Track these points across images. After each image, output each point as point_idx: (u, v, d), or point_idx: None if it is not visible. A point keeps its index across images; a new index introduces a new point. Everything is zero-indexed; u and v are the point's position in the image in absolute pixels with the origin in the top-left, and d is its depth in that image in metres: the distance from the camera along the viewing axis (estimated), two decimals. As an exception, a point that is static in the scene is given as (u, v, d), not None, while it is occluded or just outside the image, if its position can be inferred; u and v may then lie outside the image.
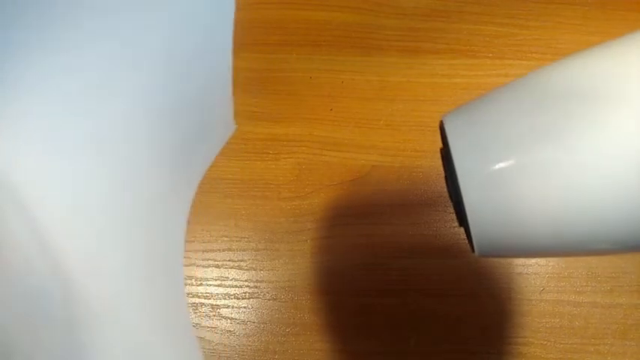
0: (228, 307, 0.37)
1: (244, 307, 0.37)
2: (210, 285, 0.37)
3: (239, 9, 0.43)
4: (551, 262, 0.37)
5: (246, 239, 0.38)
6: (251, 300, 0.37)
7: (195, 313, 0.36)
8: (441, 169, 0.20)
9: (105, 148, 0.14)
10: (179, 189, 0.16)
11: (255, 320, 0.36)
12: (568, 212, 0.17)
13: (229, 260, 0.37)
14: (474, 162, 0.17)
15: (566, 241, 0.18)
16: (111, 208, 0.13)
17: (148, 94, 0.14)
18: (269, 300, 0.37)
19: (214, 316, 0.36)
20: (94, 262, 0.13)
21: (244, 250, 0.38)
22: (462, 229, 0.19)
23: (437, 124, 0.20)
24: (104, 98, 0.14)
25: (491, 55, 0.43)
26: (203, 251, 0.37)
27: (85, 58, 0.13)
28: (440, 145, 0.20)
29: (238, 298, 0.37)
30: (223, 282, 0.37)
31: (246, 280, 0.37)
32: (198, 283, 0.37)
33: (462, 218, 0.18)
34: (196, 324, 0.36)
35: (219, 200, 0.39)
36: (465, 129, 0.18)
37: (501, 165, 0.17)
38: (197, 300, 0.36)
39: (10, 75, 0.12)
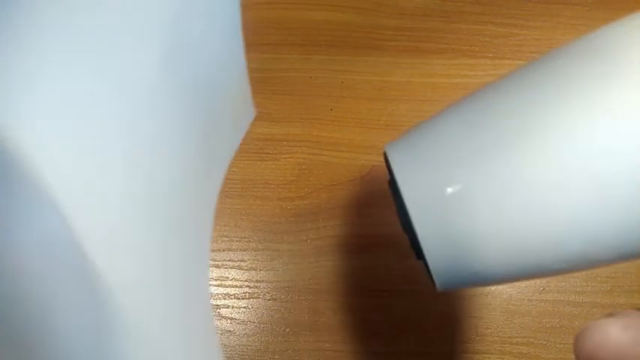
0: (228, 307, 0.37)
1: (244, 307, 0.37)
2: (211, 285, 0.37)
3: (241, 9, 0.43)
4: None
5: (246, 239, 0.38)
6: (251, 300, 0.37)
7: (195, 313, 0.36)
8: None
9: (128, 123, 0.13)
10: (203, 179, 0.15)
11: (255, 320, 0.36)
12: (521, 231, 0.16)
13: (229, 260, 0.37)
14: (421, 192, 0.16)
15: (524, 263, 0.17)
16: (133, 193, 0.13)
17: (162, 70, 0.14)
18: (269, 300, 0.37)
19: (214, 316, 0.36)
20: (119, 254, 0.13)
21: (244, 250, 0.38)
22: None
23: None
24: (126, 67, 0.13)
25: (491, 55, 0.43)
26: (203, 251, 0.37)
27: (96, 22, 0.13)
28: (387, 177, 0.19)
29: (238, 298, 0.37)
30: (223, 282, 0.37)
31: (246, 280, 0.37)
32: (198, 283, 0.37)
33: (419, 252, 0.17)
34: (196, 324, 0.36)
35: (220, 200, 0.38)
36: (408, 155, 0.17)
37: (451, 188, 0.16)
38: (197, 300, 0.36)
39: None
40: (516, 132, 0.16)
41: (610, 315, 0.15)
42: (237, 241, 0.38)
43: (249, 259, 0.37)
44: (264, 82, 0.41)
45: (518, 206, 0.15)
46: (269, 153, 0.40)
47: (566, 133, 0.15)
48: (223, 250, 0.38)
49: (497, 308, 0.37)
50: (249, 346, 0.36)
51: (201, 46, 0.16)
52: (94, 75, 0.13)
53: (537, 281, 0.37)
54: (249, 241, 0.38)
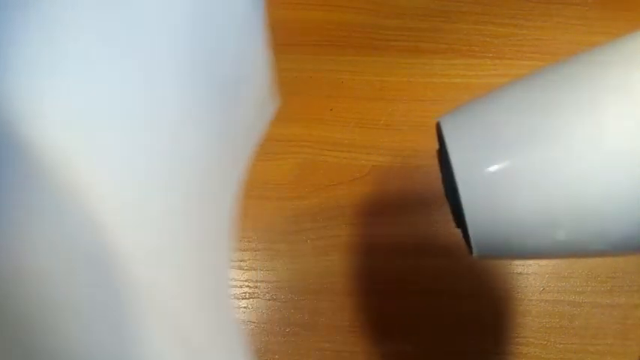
0: (228, 307, 0.37)
1: (244, 307, 0.37)
2: (210, 285, 0.37)
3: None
4: (551, 262, 0.37)
5: (246, 239, 0.38)
6: (251, 300, 0.37)
7: (195, 313, 0.36)
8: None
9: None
10: (226, 165, 0.15)
11: (255, 320, 0.36)
12: (565, 212, 0.17)
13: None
14: (471, 163, 0.18)
15: (563, 242, 0.18)
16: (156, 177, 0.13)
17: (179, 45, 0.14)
18: (269, 300, 0.37)
19: (214, 316, 0.36)
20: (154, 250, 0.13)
21: (244, 250, 0.38)
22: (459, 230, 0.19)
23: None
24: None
25: (491, 55, 0.43)
26: (203, 251, 0.37)
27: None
28: (437, 146, 0.20)
29: (238, 298, 0.37)
30: (223, 282, 0.37)
31: (246, 280, 0.37)
32: (198, 283, 0.37)
33: (460, 219, 0.18)
34: (196, 324, 0.36)
35: (219, 200, 0.39)
36: (461, 130, 0.18)
37: (499, 166, 0.17)
38: (197, 300, 0.36)
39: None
40: (554, 126, 0.17)
41: None
42: (237, 241, 0.38)
43: (249, 259, 0.37)
44: (264, 82, 0.41)
45: (555, 188, 0.17)
46: (269, 153, 0.40)
47: (592, 132, 0.17)
48: (223, 250, 0.38)
49: (496, 308, 0.37)
50: (249, 346, 0.36)
51: (223, 41, 0.16)
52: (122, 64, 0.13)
53: (537, 281, 0.37)
54: (249, 241, 0.38)
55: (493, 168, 0.17)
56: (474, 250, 0.18)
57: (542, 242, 0.18)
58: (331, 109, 0.41)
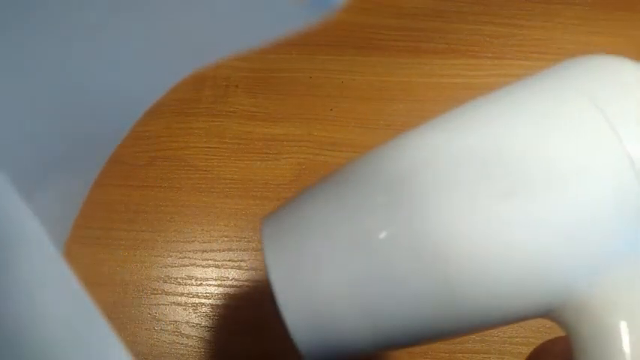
0: (228, 307, 0.37)
1: (244, 307, 0.37)
2: (211, 285, 0.37)
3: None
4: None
5: (246, 239, 0.38)
6: (251, 300, 0.37)
7: (196, 313, 0.36)
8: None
9: None
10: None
11: (256, 320, 0.36)
12: (378, 312, 0.17)
13: (229, 260, 0.37)
14: (285, 278, 0.18)
15: (385, 340, 0.18)
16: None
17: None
18: (269, 300, 0.37)
19: (215, 316, 0.36)
20: None
21: (244, 250, 0.38)
22: None
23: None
24: None
25: (491, 55, 0.43)
26: (203, 251, 0.37)
27: None
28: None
29: (238, 299, 0.37)
30: (223, 282, 0.37)
31: (246, 280, 0.37)
32: (198, 283, 0.37)
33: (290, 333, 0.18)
34: (196, 324, 0.36)
35: (219, 200, 0.39)
36: (277, 242, 0.19)
37: (309, 279, 0.17)
38: (197, 300, 0.36)
39: None
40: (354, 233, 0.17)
41: None
42: (237, 241, 0.38)
43: (249, 259, 0.37)
44: (264, 82, 0.41)
45: (369, 296, 0.17)
46: (269, 153, 0.40)
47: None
48: (223, 250, 0.38)
49: (497, 308, 0.37)
50: (249, 346, 0.36)
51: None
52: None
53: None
54: (249, 241, 0.38)
55: (304, 278, 0.17)
56: (304, 354, 0.18)
57: (369, 343, 0.18)
58: (331, 109, 0.41)
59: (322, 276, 0.17)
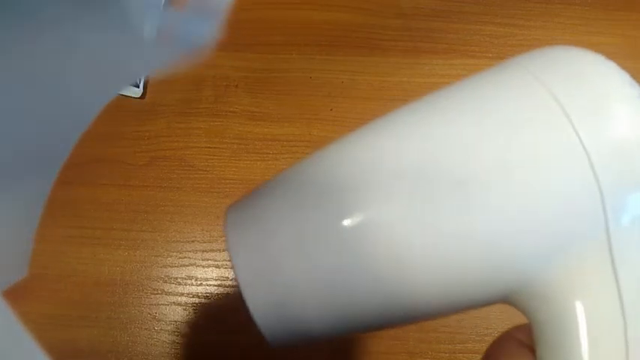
0: (228, 307, 0.37)
1: (245, 307, 0.37)
2: (211, 285, 0.37)
3: (241, 9, 0.44)
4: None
5: (246, 239, 0.38)
6: (251, 300, 0.37)
7: (195, 313, 0.36)
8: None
9: None
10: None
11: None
12: (330, 296, 0.18)
13: (229, 260, 0.37)
14: (250, 259, 0.19)
15: (343, 326, 0.18)
16: None
17: None
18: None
19: (214, 316, 0.36)
20: None
21: (244, 250, 0.38)
22: None
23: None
24: None
25: (491, 55, 0.43)
26: (203, 251, 0.37)
27: None
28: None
29: (238, 299, 0.37)
30: (223, 282, 0.37)
31: (246, 280, 0.37)
32: (198, 283, 0.37)
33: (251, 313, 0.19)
34: (196, 324, 0.36)
35: (219, 200, 0.39)
36: (244, 229, 0.19)
37: (268, 269, 0.18)
38: (197, 300, 0.36)
39: None
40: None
41: None
42: (237, 241, 0.38)
43: (249, 259, 0.37)
44: (264, 82, 0.41)
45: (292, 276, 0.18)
46: (269, 153, 0.40)
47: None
48: (223, 250, 0.38)
49: (497, 309, 0.37)
50: (250, 346, 0.36)
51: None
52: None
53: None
54: (249, 241, 0.38)
55: (262, 263, 0.18)
56: (268, 339, 0.19)
57: (321, 325, 0.18)
58: (331, 109, 0.41)
59: (279, 267, 0.18)
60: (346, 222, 0.17)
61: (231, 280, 0.37)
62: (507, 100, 0.17)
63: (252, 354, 0.36)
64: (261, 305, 0.19)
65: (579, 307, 0.16)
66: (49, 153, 0.14)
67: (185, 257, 0.37)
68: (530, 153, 0.16)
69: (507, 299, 0.18)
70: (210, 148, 0.40)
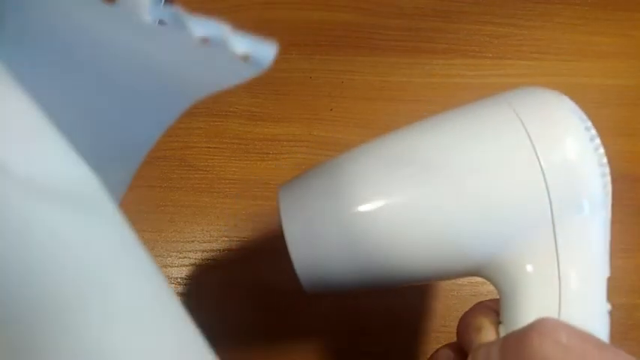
0: (228, 307, 0.37)
1: (245, 309, 0.37)
2: (211, 285, 0.37)
3: (241, 9, 0.44)
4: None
5: (246, 239, 0.38)
6: (252, 301, 0.37)
7: (195, 313, 0.36)
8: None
9: None
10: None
11: (257, 320, 0.36)
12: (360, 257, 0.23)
13: (229, 260, 0.37)
14: (293, 226, 0.24)
15: (362, 276, 0.24)
16: None
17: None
18: (270, 300, 0.37)
19: (214, 316, 0.36)
20: None
21: (244, 251, 0.38)
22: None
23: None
24: None
25: (491, 55, 0.43)
26: (203, 251, 0.37)
27: None
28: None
29: (238, 299, 0.37)
30: (223, 282, 0.37)
31: (246, 281, 0.37)
32: (198, 283, 0.37)
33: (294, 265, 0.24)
34: (196, 325, 0.36)
35: (219, 200, 0.39)
36: (289, 200, 0.25)
37: (307, 228, 0.24)
38: (197, 300, 0.36)
39: None
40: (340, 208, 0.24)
41: None
42: (237, 240, 0.38)
43: (249, 260, 0.37)
44: (264, 82, 0.41)
45: (336, 241, 0.24)
46: (269, 153, 0.40)
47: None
48: (223, 250, 0.38)
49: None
50: (250, 347, 0.36)
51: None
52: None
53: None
54: (250, 241, 0.38)
55: (304, 229, 0.24)
56: (304, 286, 0.25)
57: (350, 277, 0.24)
58: (331, 109, 0.41)
59: (318, 232, 0.24)
60: (354, 208, 0.23)
61: (231, 280, 0.37)
62: (488, 125, 0.23)
63: (253, 355, 0.36)
64: (301, 259, 0.24)
65: (530, 277, 0.22)
66: (132, 146, 0.17)
67: (185, 257, 0.37)
68: (498, 162, 0.22)
69: (478, 273, 0.24)
70: (210, 148, 0.40)
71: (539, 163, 0.21)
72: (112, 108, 0.17)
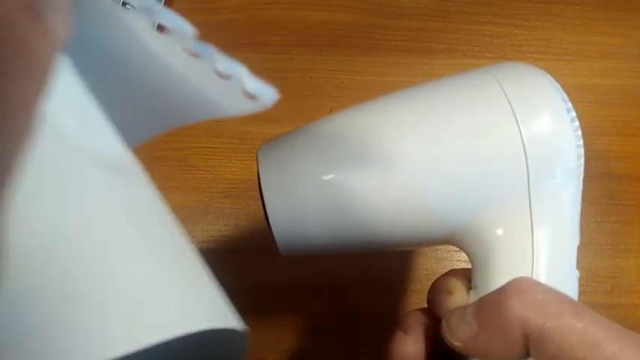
0: (228, 307, 0.37)
1: (245, 310, 0.37)
2: (210, 285, 0.37)
3: (240, 9, 0.44)
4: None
5: (246, 239, 0.38)
6: (252, 302, 0.37)
7: (195, 313, 0.36)
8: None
9: None
10: None
11: (258, 320, 0.36)
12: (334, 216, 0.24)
13: (229, 260, 0.37)
14: (271, 183, 0.25)
15: (337, 237, 0.24)
16: None
17: None
18: (269, 300, 0.37)
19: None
20: None
21: (244, 251, 0.38)
22: None
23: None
24: None
25: (491, 55, 0.43)
26: (203, 251, 0.37)
27: None
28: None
29: (238, 300, 0.37)
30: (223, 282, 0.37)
31: (246, 281, 0.37)
32: (198, 283, 0.37)
33: (269, 224, 0.25)
34: (196, 324, 0.36)
35: (219, 200, 0.39)
36: (269, 161, 0.25)
37: (288, 189, 0.24)
38: (197, 300, 0.36)
39: None
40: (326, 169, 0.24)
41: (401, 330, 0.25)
42: (237, 240, 0.38)
43: (249, 260, 0.37)
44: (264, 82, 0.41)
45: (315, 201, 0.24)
46: (269, 153, 0.40)
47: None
48: (223, 250, 0.38)
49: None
50: (250, 347, 0.36)
51: None
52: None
53: (537, 281, 0.37)
54: (250, 242, 0.38)
55: (286, 190, 0.24)
56: (279, 245, 0.25)
57: (324, 238, 0.25)
58: (331, 109, 0.41)
59: (295, 189, 0.24)
60: (332, 167, 0.24)
61: (231, 280, 0.37)
62: (472, 92, 0.24)
63: (253, 355, 0.36)
64: (278, 219, 0.24)
65: (503, 241, 0.22)
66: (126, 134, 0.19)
67: (185, 257, 0.37)
68: (479, 127, 0.23)
69: (453, 239, 0.24)
70: (210, 147, 0.40)
71: (519, 127, 0.22)
72: (131, 108, 0.20)
